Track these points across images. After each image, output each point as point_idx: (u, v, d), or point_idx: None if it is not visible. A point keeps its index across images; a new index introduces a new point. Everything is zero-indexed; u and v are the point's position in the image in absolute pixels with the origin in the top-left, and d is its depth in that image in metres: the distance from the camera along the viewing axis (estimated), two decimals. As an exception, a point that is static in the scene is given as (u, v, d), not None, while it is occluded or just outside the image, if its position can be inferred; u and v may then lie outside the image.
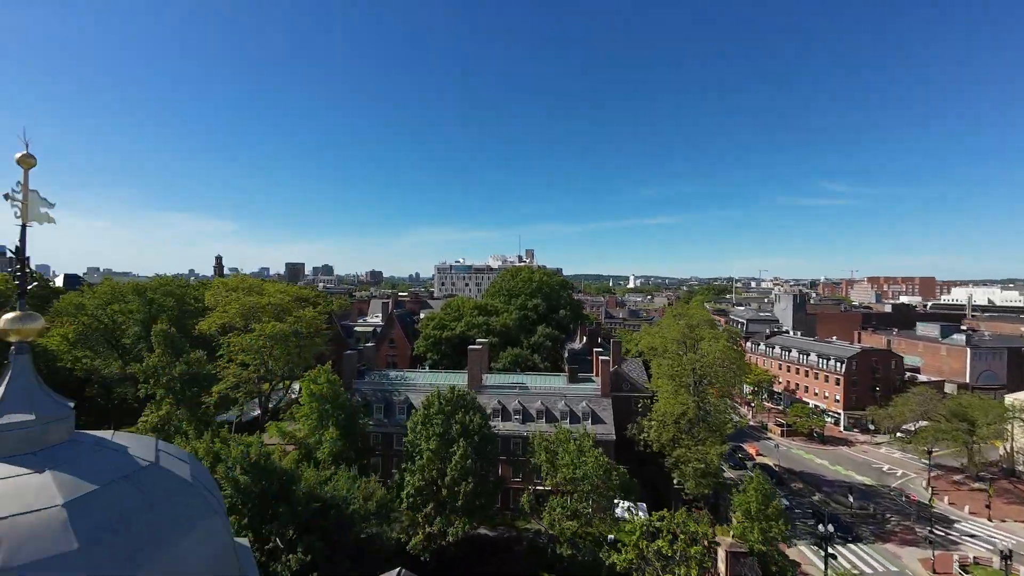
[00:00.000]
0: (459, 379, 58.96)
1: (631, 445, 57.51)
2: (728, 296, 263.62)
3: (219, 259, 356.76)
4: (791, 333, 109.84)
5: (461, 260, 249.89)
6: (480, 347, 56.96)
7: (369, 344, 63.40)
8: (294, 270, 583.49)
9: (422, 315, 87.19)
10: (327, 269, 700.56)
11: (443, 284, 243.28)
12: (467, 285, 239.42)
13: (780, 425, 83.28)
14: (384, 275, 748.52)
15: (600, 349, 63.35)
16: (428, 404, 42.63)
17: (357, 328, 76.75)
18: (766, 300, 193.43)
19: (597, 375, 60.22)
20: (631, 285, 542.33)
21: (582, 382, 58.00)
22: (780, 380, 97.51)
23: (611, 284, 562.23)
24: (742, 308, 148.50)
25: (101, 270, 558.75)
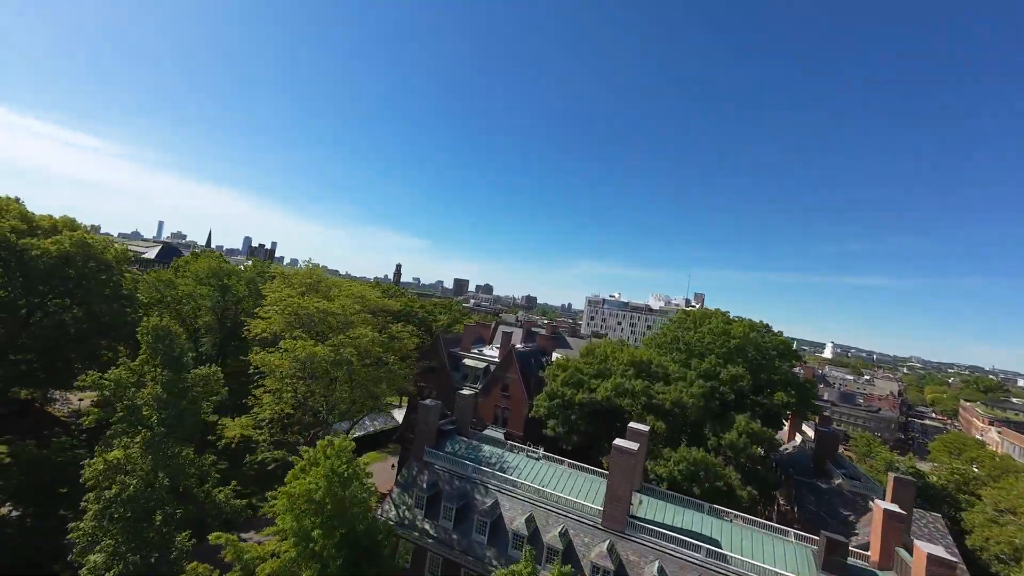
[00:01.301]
0: (589, 488, 32.91)
1: None
2: (1014, 400, 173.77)
3: (399, 267, 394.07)
4: None
5: (616, 295, 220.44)
6: (634, 447, 30.17)
7: (467, 391, 42.18)
8: (460, 285, 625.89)
9: (555, 356, 63.31)
10: (487, 288, 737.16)
11: (592, 319, 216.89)
12: (619, 324, 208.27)
13: None
14: (539, 301, 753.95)
15: (891, 508, 29.91)
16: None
17: (468, 361, 56.84)
18: None
19: (877, 556, 27.50)
20: (827, 355, 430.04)
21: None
22: None
23: (795, 348, 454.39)
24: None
25: (321, 266, 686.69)
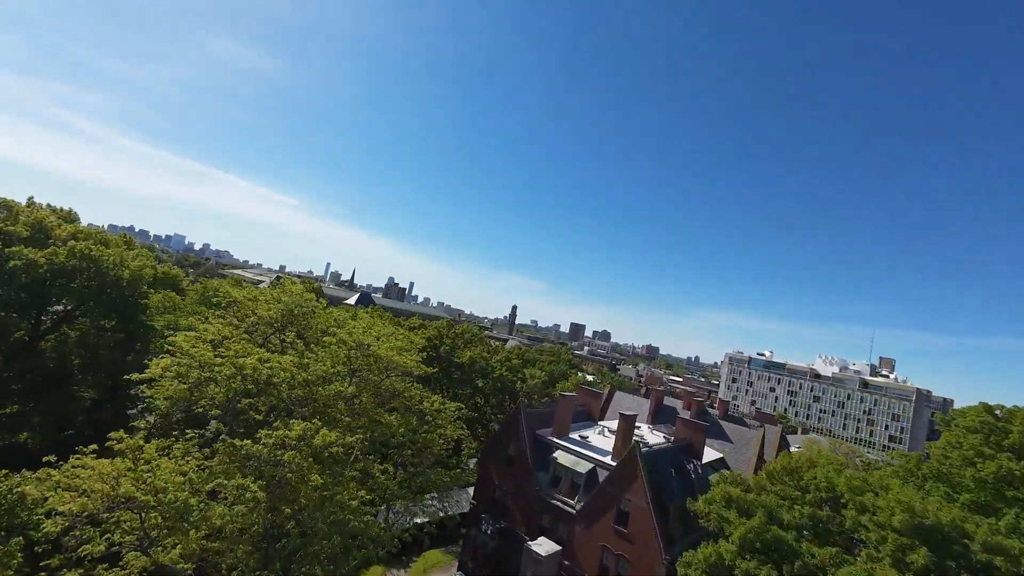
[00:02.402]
0: None
1: None
2: None
3: (514, 309, 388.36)
4: None
5: (767, 354, 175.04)
6: None
7: (543, 547, 20.85)
8: (575, 330, 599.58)
9: (706, 458, 38.10)
10: (605, 335, 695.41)
11: (734, 381, 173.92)
12: (772, 391, 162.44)
13: None
14: (660, 351, 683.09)
15: None
16: None
17: (561, 457, 35.22)
18: None
19: None
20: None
21: None
22: None
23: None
24: None
25: (444, 304, 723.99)
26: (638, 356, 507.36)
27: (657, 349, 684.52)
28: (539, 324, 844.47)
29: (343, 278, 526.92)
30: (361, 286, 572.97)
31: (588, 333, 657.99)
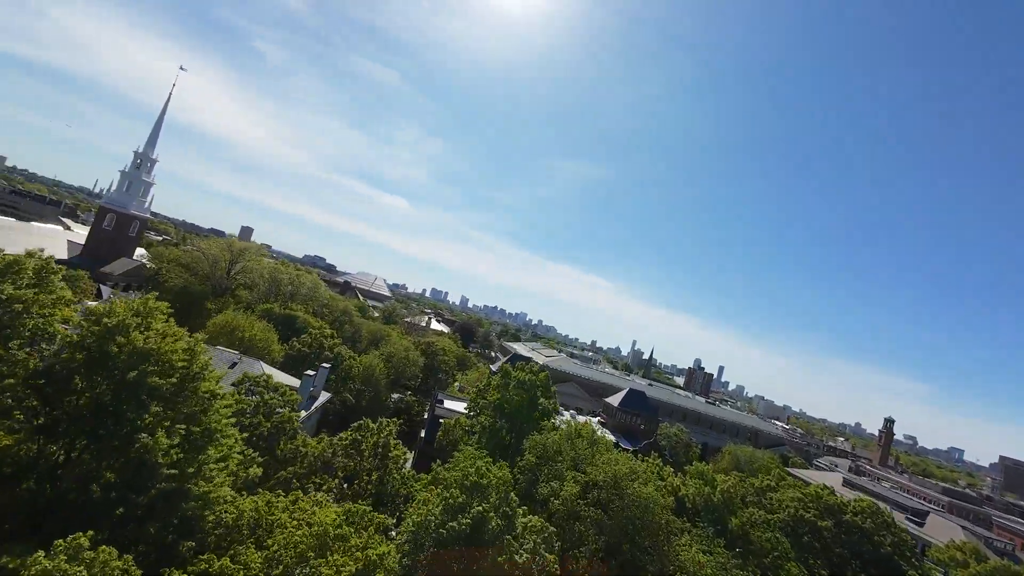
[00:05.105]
0: None
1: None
2: None
3: (890, 427, 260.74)
4: None
5: None
6: None
7: None
8: (1016, 475, 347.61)
9: None
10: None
11: None
12: None
13: None
14: None
15: None
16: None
17: None
18: None
19: None
20: None
21: None
22: None
23: None
24: None
25: (761, 398, 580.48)
26: None
27: None
28: (918, 444, 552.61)
29: (644, 357, 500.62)
30: (664, 367, 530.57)
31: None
